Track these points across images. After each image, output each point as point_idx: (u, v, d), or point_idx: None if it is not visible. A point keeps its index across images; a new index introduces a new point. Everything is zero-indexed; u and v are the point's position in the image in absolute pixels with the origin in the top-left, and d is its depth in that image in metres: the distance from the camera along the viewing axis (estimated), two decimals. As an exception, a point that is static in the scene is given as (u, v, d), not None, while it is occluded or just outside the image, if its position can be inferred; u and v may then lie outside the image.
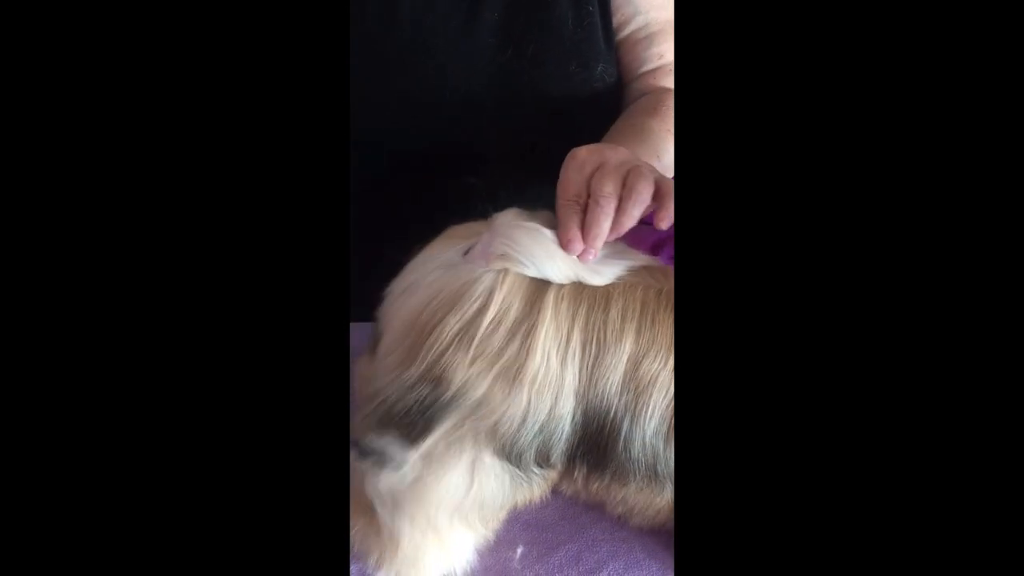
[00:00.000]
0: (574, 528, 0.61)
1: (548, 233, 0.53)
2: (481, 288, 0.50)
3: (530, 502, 0.55)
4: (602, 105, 0.87)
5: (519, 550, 0.59)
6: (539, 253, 0.51)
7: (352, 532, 0.54)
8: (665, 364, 0.49)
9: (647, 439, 0.49)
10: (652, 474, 0.50)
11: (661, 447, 0.49)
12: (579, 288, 0.50)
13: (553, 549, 0.59)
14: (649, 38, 0.86)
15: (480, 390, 0.49)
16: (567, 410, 0.49)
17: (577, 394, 0.49)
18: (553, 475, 0.53)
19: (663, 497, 0.52)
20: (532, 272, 0.50)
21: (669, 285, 0.51)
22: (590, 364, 0.49)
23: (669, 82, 0.88)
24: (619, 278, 0.52)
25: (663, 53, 0.87)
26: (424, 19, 0.80)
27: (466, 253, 0.54)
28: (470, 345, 0.48)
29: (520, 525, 0.59)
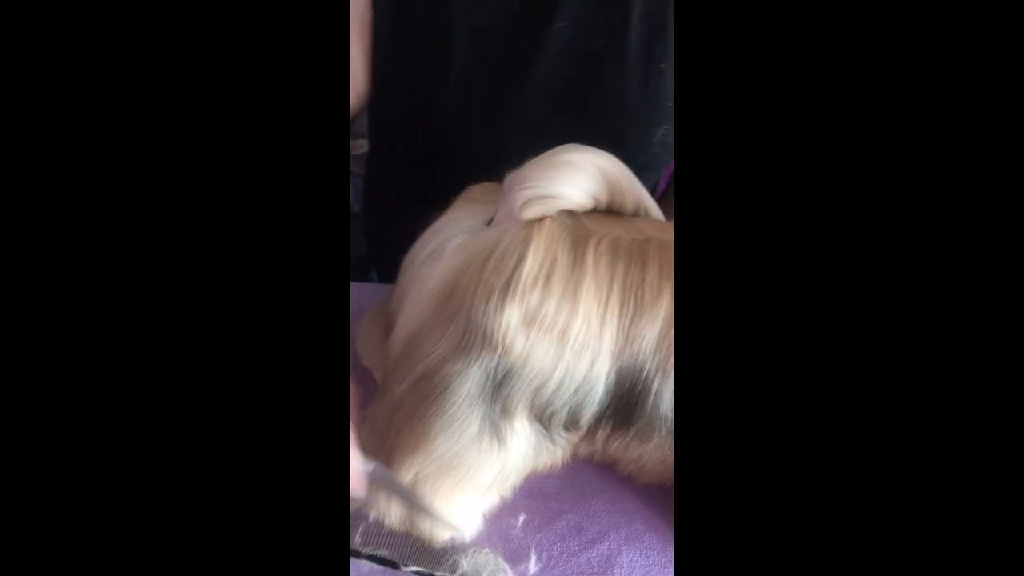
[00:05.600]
0: (576, 498, 0.59)
1: (561, 156, 0.50)
2: (517, 242, 0.48)
3: (551, 466, 0.53)
4: (652, 170, 0.79)
5: (521, 518, 0.57)
6: (561, 177, 0.49)
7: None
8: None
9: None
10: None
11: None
12: (616, 245, 0.49)
13: (555, 518, 0.58)
14: None
15: (527, 352, 0.46)
16: (603, 371, 0.48)
17: (613, 355, 0.48)
18: (575, 438, 0.52)
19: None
20: (565, 197, 0.48)
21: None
22: (627, 325, 0.47)
23: None
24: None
25: None
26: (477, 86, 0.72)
27: (488, 223, 0.52)
28: (515, 305, 0.46)
29: (522, 493, 0.57)
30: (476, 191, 0.57)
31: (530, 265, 0.46)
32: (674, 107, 0.73)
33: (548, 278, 0.47)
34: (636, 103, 0.72)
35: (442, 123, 0.74)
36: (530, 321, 0.46)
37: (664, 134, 0.75)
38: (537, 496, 0.59)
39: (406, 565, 0.53)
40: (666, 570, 0.55)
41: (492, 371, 0.47)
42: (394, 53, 0.71)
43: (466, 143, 0.76)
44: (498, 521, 0.56)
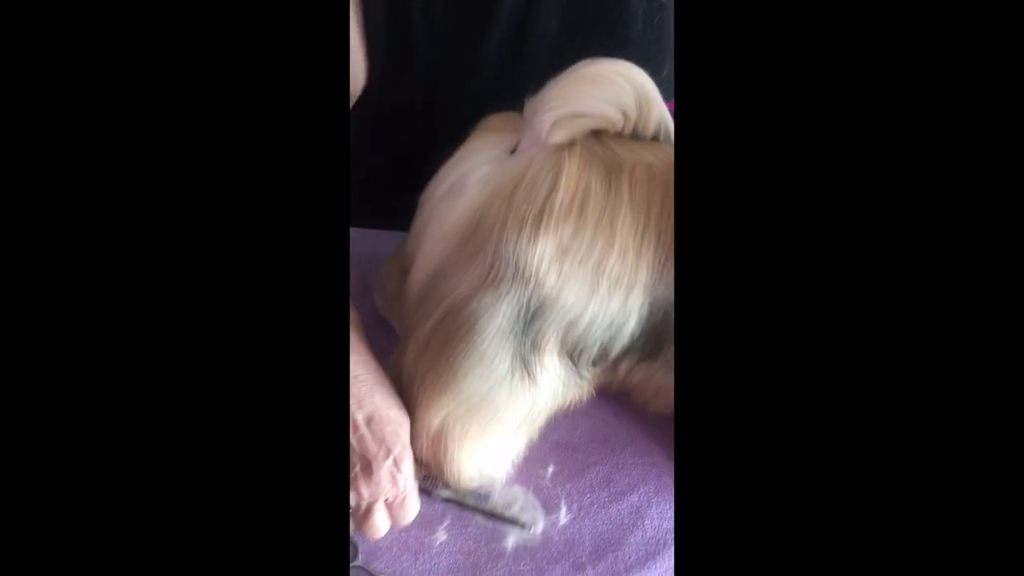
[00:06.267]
0: (604, 450, 0.57)
1: (584, 71, 0.47)
2: (548, 169, 0.45)
3: (578, 401, 0.50)
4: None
5: (550, 468, 0.55)
6: (590, 91, 0.46)
7: None
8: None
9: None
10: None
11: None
12: (651, 173, 0.46)
13: (584, 470, 0.55)
14: None
15: (560, 285, 0.44)
16: (636, 305, 0.45)
17: (647, 288, 0.45)
18: (599, 371, 0.49)
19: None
20: (595, 114, 0.45)
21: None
22: (664, 257, 0.45)
23: None
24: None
25: None
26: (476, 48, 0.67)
27: (512, 151, 0.49)
28: (548, 236, 0.43)
29: (550, 444, 0.55)
30: (496, 120, 0.53)
31: (563, 193, 0.44)
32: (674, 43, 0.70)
33: (583, 207, 0.44)
34: (640, 43, 0.69)
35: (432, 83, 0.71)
36: (564, 253, 0.44)
37: (671, 72, 0.71)
38: (565, 448, 0.56)
39: (438, 491, 0.51)
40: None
41: (524, 306, 0.44)
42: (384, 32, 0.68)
43: (469, 100, 0.73)
44: (527, 471, 0.54)
